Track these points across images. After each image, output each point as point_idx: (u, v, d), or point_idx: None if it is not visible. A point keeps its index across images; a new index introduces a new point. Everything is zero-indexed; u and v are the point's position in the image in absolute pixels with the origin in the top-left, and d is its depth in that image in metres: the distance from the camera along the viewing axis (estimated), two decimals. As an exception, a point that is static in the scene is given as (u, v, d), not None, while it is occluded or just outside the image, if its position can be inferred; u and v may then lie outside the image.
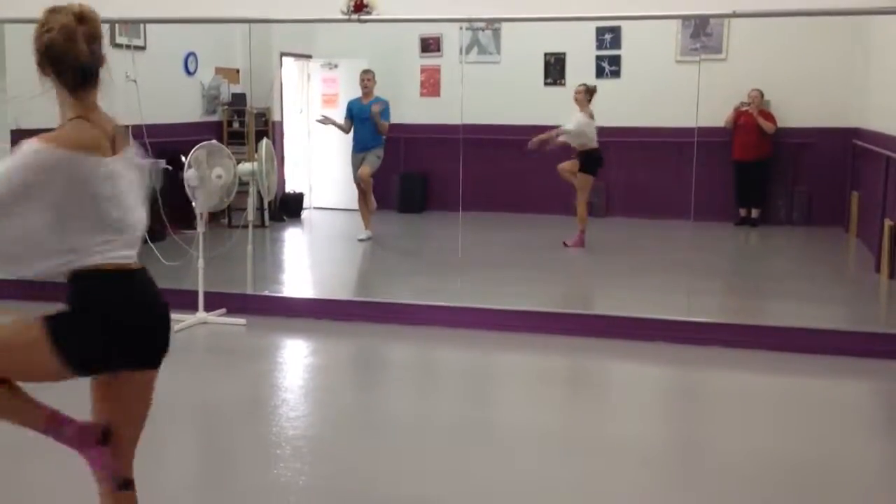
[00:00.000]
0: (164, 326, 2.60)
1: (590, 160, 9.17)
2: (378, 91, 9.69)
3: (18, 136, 6.95)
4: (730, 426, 4.61)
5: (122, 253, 2.49)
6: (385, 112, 9.51)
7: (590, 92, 9.20)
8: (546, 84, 11.61)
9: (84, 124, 2.44)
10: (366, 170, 9.48)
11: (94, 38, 2.46)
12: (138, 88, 7.28)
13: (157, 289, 2.61)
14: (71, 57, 2.43)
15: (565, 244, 9.22)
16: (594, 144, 9.16)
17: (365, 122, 9.48)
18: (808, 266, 8.64)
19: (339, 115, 10.11)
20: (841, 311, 6.83)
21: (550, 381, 5.45)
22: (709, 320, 6.05)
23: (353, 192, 9.95)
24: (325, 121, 9.97)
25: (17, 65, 7.03)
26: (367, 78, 9.60)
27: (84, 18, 2.46)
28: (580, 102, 9.15)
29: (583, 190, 9.24)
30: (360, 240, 9.50)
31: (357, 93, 9.78)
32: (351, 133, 9.70)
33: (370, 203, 9.64)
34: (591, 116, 9.15)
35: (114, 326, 2.45)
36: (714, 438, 4.46)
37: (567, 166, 9.39)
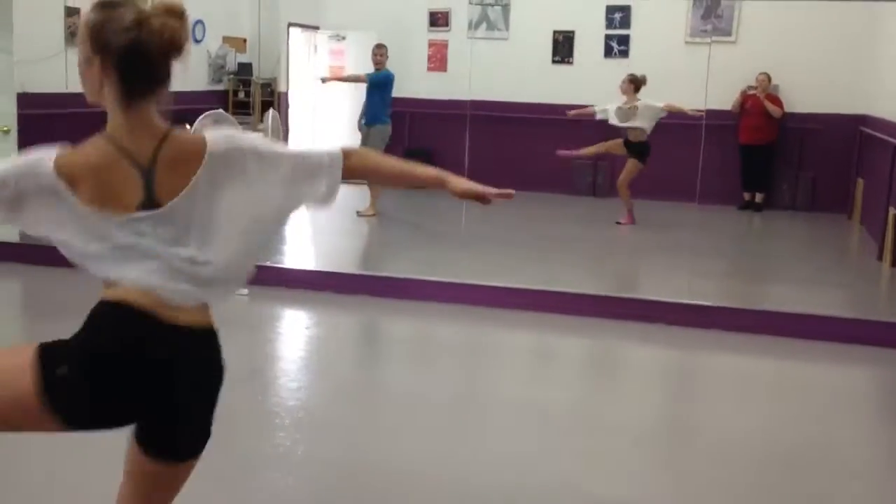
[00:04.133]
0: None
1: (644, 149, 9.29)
2: (386, 65, 9.63)
3: (25, 100, 6.92)
4: (726, 409, 4.63)
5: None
6: (388, 85, 9.43)
7: (635, 83, 9.21)
8: (554, 62, 11.56)
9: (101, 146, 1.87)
10: None
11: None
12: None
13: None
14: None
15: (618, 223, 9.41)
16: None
17: (374, 92, 9.40)
18: (810, 252, 8.63)
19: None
20: (841, 298, 6.83)
21: (549, 359, 5.48)
22: (710, 303, 6.06)
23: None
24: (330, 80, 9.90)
25: (24, 24, 6.94)
26: (379, 53, 9.45)
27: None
28: (629, 92, 9.19)
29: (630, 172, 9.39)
30: (360, 214, 9.42)
31: (365, 66, 9.72)
32: (352, 103, 9.62)
33: (373, 204, 9.46)
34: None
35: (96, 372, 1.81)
36: (709, 420, 4.47)
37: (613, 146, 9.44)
